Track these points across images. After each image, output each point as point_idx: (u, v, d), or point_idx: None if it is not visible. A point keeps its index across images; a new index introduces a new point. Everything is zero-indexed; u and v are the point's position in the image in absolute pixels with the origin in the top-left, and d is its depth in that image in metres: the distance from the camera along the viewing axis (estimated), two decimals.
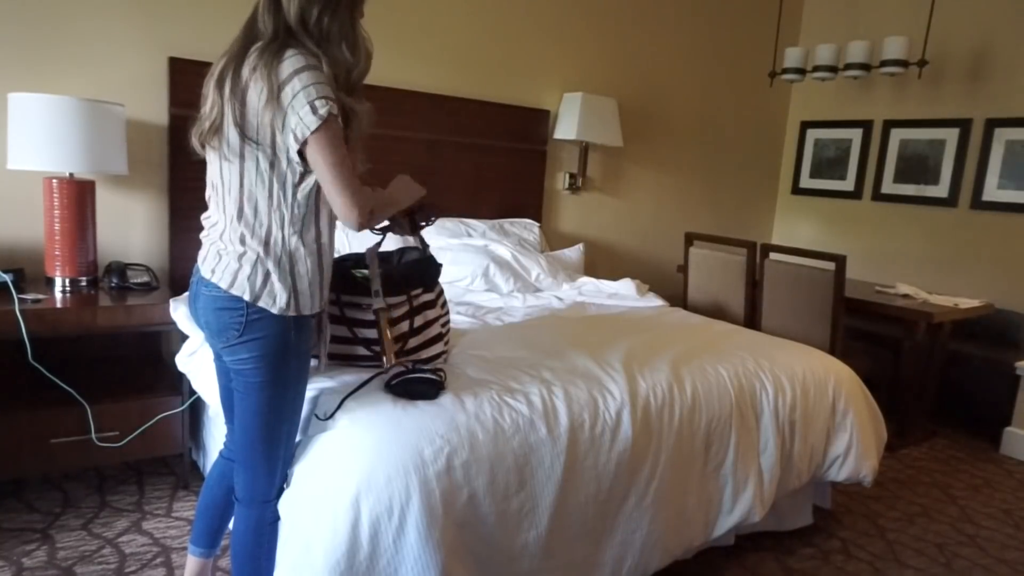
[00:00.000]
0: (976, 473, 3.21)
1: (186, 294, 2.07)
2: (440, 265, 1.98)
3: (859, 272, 4.45)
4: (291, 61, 1.30)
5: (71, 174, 2.36)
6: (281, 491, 1.56)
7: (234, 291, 1.38)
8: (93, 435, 2.20)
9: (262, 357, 1.41)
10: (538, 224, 3.67)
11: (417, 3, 3.28)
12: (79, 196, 2.33)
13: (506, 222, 3.54)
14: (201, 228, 1.54)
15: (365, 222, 1.35)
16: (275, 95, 1.29)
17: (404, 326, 1.82)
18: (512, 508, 1.61)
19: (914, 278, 4.24)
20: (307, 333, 1.49)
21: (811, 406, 2.25)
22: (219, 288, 1.39)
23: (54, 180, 2.30)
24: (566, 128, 3.71)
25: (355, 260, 1.90)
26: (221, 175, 1.41)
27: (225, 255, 1.40)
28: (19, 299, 2.11)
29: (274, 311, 1.39)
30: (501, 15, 3.54)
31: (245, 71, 1.33)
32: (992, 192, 3.91)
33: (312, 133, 1.30)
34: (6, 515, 2.23)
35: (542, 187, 3.82)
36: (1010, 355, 3.53)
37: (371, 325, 1.78)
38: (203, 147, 1.45)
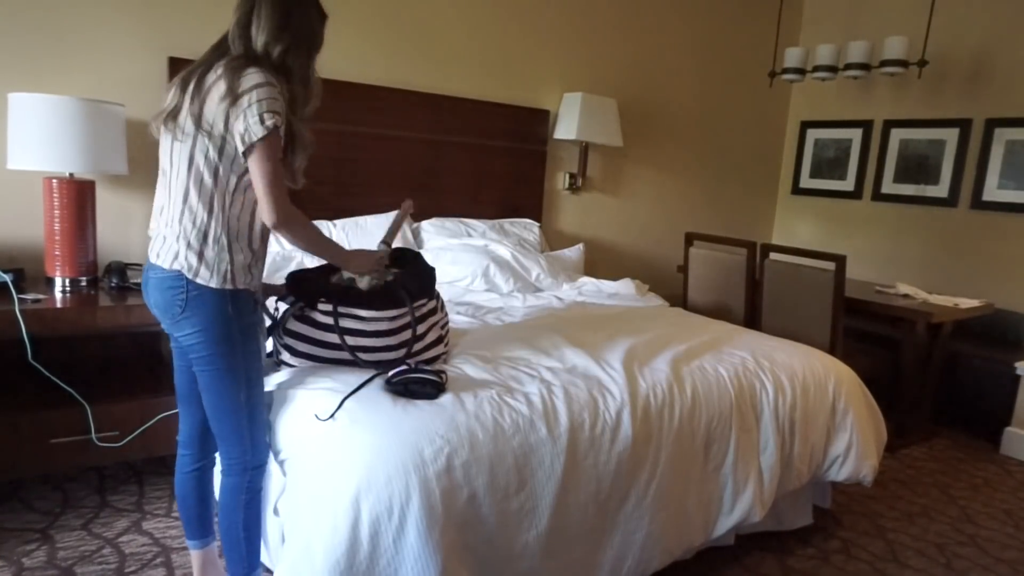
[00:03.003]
0: (976, 473, 3.21)
1: None
2: (433, 270, 1.98)
3: (859, 272, 4.45)
4: (254, 76, 1.47)
5: (71, 174, 2.36)
6: (262, 463, 1.67)
7: (175, 267, 1.51)
8: (93, 435, 2.20)
9: (203, 331, 1.53)
10: (538, 224, 3.67)
11: (417, 3, 3.28)
12: (79, 196, 2.33)
13: (506, 222, 3.54)
14: None
15: (279, 223, 1.51)
16: (234, 97, 1.45)
17: (407, 334, 1.82)
18: (512, 508, 1.61)
19: (914, 278, 4.24)
20: (246, 306, 1.59)
21: (811, 406, 2.25)
22: (163, 268, 1.52)
23: (54, 180, 2.30)
24: (566, 128, 3.71)
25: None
26: (171, 157, 1.54)
27: (169, 236, 1.53)
28: (19, 299, 2.11)
29: (213, 285, 1.51)
30: (501, 15, 3.54)
31: (210, 77, 1.50)
32: (992, 192, 3.91)
33: (257, 141, 1.46)
34: (6, 515, 2.23)
35: (542, 187, 3.82)
36: (1010, 355, 3.53)
37: (361, 334, 1.77)
38: (158, 131, 1.59)
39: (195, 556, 1.81)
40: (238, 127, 1.46)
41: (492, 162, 3.59)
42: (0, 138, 2.39)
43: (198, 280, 1.50)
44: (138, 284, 2.44)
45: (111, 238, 2.66)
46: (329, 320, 1.77)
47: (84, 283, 2.38)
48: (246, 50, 1.52)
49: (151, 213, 1.65)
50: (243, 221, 1.55)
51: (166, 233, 1.54)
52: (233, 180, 1.51)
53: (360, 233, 2.97)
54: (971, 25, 3.98)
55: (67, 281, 2.35)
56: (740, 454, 2.06)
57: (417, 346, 1.84)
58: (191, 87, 1.51)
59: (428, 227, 3.25)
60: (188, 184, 1.51)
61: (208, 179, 1.50)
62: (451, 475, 1.52)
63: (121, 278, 2.43)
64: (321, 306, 1.77)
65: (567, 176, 3.95)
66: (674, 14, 4.19)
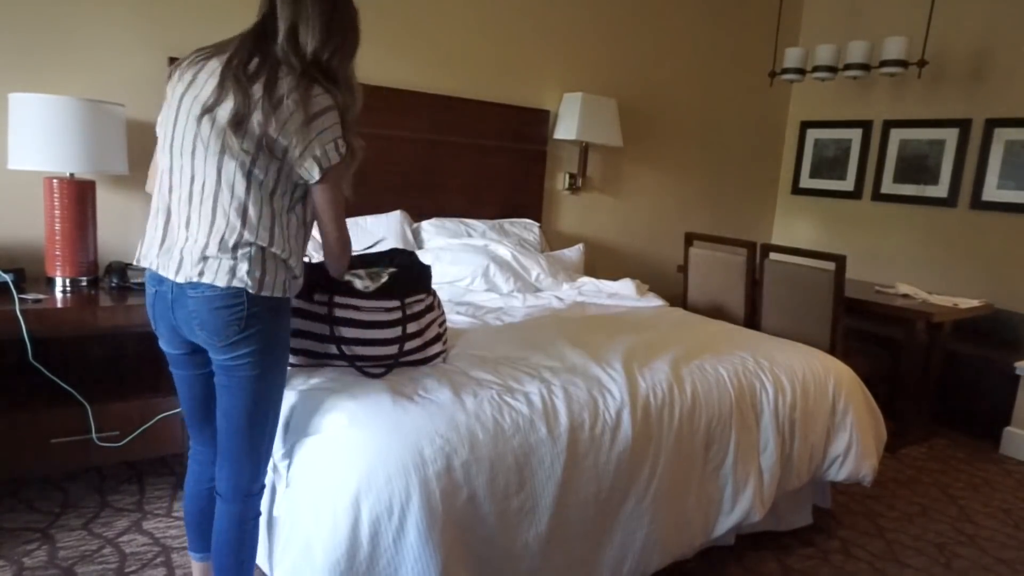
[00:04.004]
0: (976, 473, 3.21)
1: None
2: (428, 267, 1.97)
3: (859, 272, 4.44)
4: (322, 98, 1.40)
5: (71, 174, 2.36)
6: (263, 487, 1.58)
7: (235, 284, 1.39)
8: (93, 435, 2.20)
9: (259, 351, 1.45)
10: (538, 224, 3.67)
11: (417, 3, 3.28)
12: (79, 196, 2.33)
13: (506, 222, 3.54)
14: None
15: (344, 254, 1.54)
16: (307, 123, 1.38)
17: (397, 331, 1.81)
18: (512, 508, 1.61)
19: (914, 278, 4.24)
20: (289, 319, 1.55)
21: (811, 406, 2.25)
22: (215, 287, 1.39)
23: (54, 180, 2.30)
24: (566, 128, 3.71)
25: (355, 260, 1.90)
26: (220, 171, 1.38)
27: (220, 255, 1.39)
28: (19, 299, 2.11)
29: (277, 294, 1.44)
30: (501, 15, 3.54)
31: (281, 87, 1.37)
32: (992, 192, 3.91)
33: (330, 169, 1.42)
34: (6, 515, 2.23)
35: (542, 187, 3.82)
36: (1010, 355, 3.53)
37: (354, 324, 1.77)
38: (204, 139, 1.40)
39: (197, 567, 1.73)
40: (314, 152, 1.39)
41: (492, 162, 3.59)
42: (0, 138, 2.39)
43: (263, 293, 1.41)
44: (138, 284, 2.44)
45: (111, 238, 2.67)
46: (323, 311, 1.76)
47: (84, 283, 2.38)
48: (301, 59, 1.40)
49: (158, 223, 1.48)
50: (298, 239, 1.50)
51: (211, 253, 1.39)
52: (287, 199, 1.45)
53: (360, 233, 2.97)
54: (971, 25, 3.98)
55: (67, 281, 2.35)
56: (740, 454, 2.06)
57: (409, 344, 1.84)
58: (256, 92, 1.36)
59: (428, 227, 3.25)
60: (247, 203, 1.39)
61: (268, 198, 1.41)
62: (451, 475, 1.52)
63: (121, 278, 2.43)
64: (317, 297, 1.77)
65: (567, 176, 3.95)
66: (674, 14, 4.19)
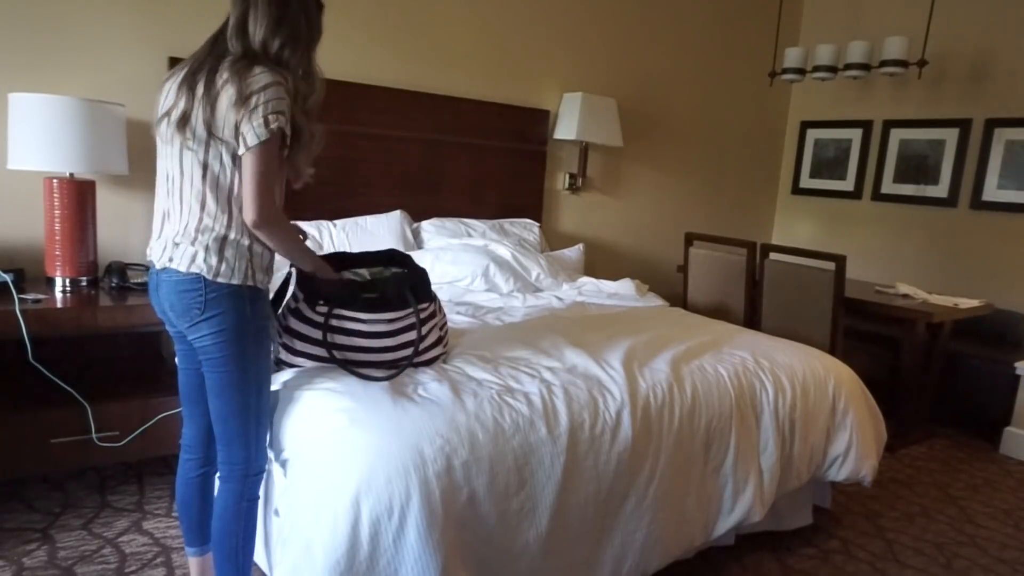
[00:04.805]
0: (976, 473, 3.21)
1: None
2: (424, 271, 1.97)
3: (859, 272, 4.45)
4: (262, 76, 1.47)
5: (71, 174, 2.36)
6: (262, 470, 1.65)
7: (193, 270, 1.50)
8: (93, 435, 2.20)
9: (221, 332, 1.53)
10: (538, 224, 3.67)
11: (418, 3, 3.28)
12: (79, 196, 2.33)
13: (506, 222, 3.54)
14: None
15: (259, 222, 1.50)
16: (243, 100, 1.45)
17: (409, 335, 1.82)
18: (512, 508, 1.61)
19: (914, 278, 4.24)
20: (262, 307, 1.60)
21: (811, 406, 2.25)
22: (179, 272, 1.51)
23: (54, 180, 2.30)
24: (566, 128, 3.71)
25: (351, 259, 1.90)
26: (182, 165, 1.53)
27: (183, 242, 1.52)
28: (19, 299, 2.11)
29: (234, 282, 1.51)
30: (501, 15, 3.54)
31: (219, 80, 1.48)
32: (992, 192, 3.92)
33: (257, 144, 1.46)
34: (6, 515, 2.23)
35: (542, 187, 3.82)
36: (1010, 355, 3.53)
37: (359, 335, 1.77)
38: (167, 137, 1.55)
39: (193, 563, 1.80)
40: (244, 128, 1.46)
41: (492, 162, 3.59)
42: (0, 138, 2.39)
43: (219, 280, 1.50)
44: (139, 284, 2.44)
45: (111, 238, 2.67)
46: (322, 320, 1.76)
47: (84, 283, 2.38)
48: (245, 49, 1.51)
49: (153, 217, 1.62)
50: None
51: (179, 239, 1.52)
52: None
53: (360, 233, 2.98)
54: (971, 25, 3.98)
55: (67, 281, 2.35)
56: (740, 454, 2.06)
57: (408, 351, 1.83)
58: (199, 91, 1.49)
59: (428, 227, 3.25)
60: (204, 191, 1.50)
61: (225, 183, 1.50)
62: (451, 475, 1.52)
63: (121, 278, 2.43)
64: (318, 308, 1.77)
65: (567, 176, 3.95)
66: (674, 14, 4.19)
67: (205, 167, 1.50)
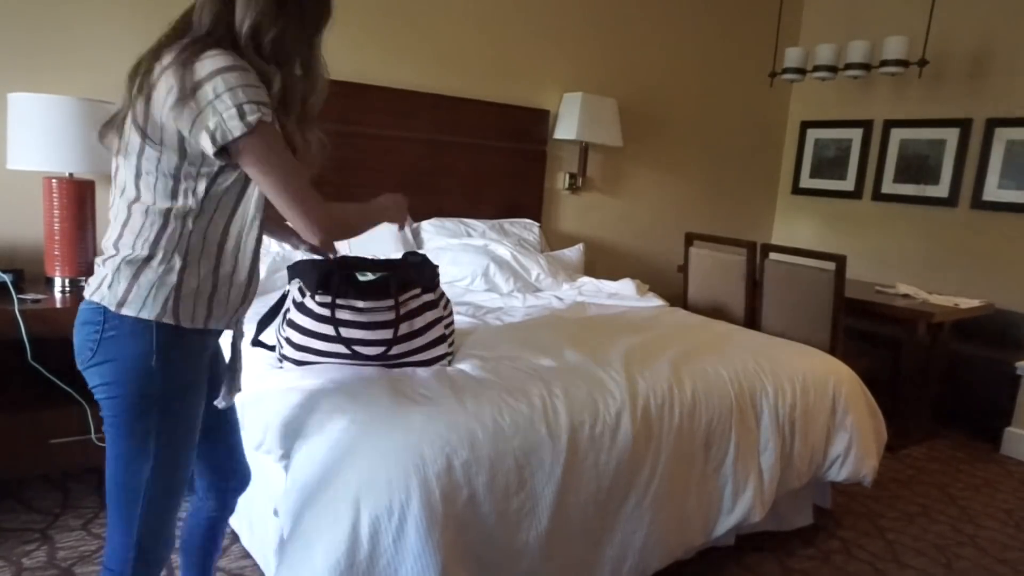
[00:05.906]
0: (976, 473, 3.21)
1: None
2: (437, 266, 1.98)
3: (859, 272, 4.44)
4: (212, 60, 1.12)
5: (71, 174, 2.36)
6: (135, 572, 1.25)
7: (94, 298, 1.18)
8: (93, 435, 2.20)
9: (110, 386, 1.17)
10: (538, 224, 3.67)
11: (418, 3, 3.28)
12: (79, 196, 2.33)
13: (506, 222, 3.53)
14: None
15: (327, 236, 1.20)
16: (188, 94, 1.11)
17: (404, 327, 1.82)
18: (512, 508, 1.61)
19: (914, 278, 4.23)
20: (187, 355, 1.22)
21: (811, 406, 2.25)
22: (85, 299, 1.21)
23: (54, 180, 2.30)
24: (566, 128, 3.70)
25: (356, 262, 1.90)
26: (115, 172, 1.24)
27: (98, 262, 1.23)
28: (19, 299, 2.11)
29: (144, 315, 1.16)
30: (501, 15, 3.54)
31: (157, 69, 1.15)
32: (992, 192, 3.91)
33: (240, 140, 1.13)
34: (6, 515, 2.23)
35: (542, 187, 3.82)
36: (1010, 355, 3.52)
37: (358, 326, 1.77)
38: (114, 147, 1.26)
39: None
40: (207, 124, 1.12)
41: (492, 162, 3.59)
42: (0, 138, 2.39)
43: (123, 312, 1.16)
44: None
45: None
46: (326, 312, 1.77)
47: (84, 283, 2.38)
48: (216, 26, 1.17)
49: None
50: (211, 238, 1.21)
51: (99, 260, 1.23)
52: (202, 187, 1.18)
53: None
54: (971, 25, 3.98)
55: (67, 281, 2.35)
56: (740, 454, 2.06)
57: (407, 346, 1.83)
58: (135, 84, 1.18)
59: (428, 227, 3.25)
60: (132, 201, 1.19)
61: (162, 190, 1.17)
62: (451, 475, 1.52)
63: None
64: (319, 298, 1.77)
65: (567, 176, 3.95)
66: (674, 14, 4.18)
67: (137, 177, 1.18)
